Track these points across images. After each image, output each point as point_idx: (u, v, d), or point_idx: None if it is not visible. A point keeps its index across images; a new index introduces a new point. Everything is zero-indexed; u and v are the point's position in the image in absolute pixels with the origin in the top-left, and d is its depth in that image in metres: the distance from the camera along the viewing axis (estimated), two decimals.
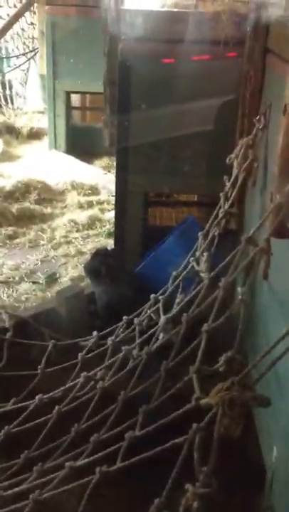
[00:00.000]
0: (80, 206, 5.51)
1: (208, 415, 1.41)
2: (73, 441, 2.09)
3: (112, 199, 5.39)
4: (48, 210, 5.44)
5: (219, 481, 1.42)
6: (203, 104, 3.25)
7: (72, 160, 6.65)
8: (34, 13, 7.69)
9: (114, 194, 4.59)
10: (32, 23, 8.12)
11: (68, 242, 4.81)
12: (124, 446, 1.63)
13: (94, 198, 5.65)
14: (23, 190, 5.61)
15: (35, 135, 7.96)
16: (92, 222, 5.14)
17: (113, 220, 4.25)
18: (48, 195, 5.74)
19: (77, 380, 2.46)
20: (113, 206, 5.01)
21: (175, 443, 1.45)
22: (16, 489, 1.73)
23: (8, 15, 7.34)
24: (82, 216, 5.21)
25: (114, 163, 5.49)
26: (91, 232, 5.01)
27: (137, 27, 3.19)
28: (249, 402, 1.39)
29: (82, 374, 2.47)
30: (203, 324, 2.00)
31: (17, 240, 4.81)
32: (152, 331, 2.51)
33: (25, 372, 2.70)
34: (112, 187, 5.35)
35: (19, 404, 2.43)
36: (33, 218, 5.25)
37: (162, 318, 2.51)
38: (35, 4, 7.13)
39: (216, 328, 1.95)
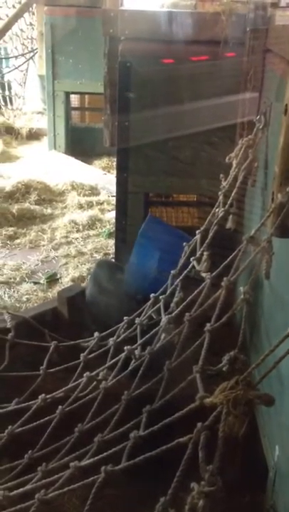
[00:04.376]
0: (80, 206, 5.52)
1: (213, 414, 1.42)
2: (77, 441, 2.09)
3: (112, 199, 5.41)
4: (48, 210, 5.45)
5: (223, 479, 1.43)
6: (202, 104, 3.25)
7: (71, 160, 6.67)
8: (33, 13, 7.70)
9: (114, 194, 4.61)
10: (31, 24, 8.13)
11: (69, 243, 4.82)
12: (128, 445, 1.64)
13: (94, 199, 5.66)
14: (23, 191, 5.62)
15: (34, 136, 7.99)
16: (92, 223, 5.15)
17: (113, 220, 4.27)
18: (48, 195, 5.75)
19: (80, 381, 2.46)
20: (113, 206, 5.03)
21: (180, 442, 1.45)
22: (21, 489, 1.74)
23: (7, 15, 7.34)
24: (82, 216, 5.22)
25: (114, 164, 5.52)
26: (91, 232, 5.02)
27: (136, 27, 3.20)
28: (253, 401, 1.40)
29: (84, 374, 2.47)
30: (204, 324, 2.01)
31: (18, 241, 4.82)
32: (154, 330, 2.52)
33: (27, 373, 2.70)
34: (112, 187, 5.38)
35: (22, 405, 2.44)
36: (34, 219, 5.26)
37: (164, 318, 2.52)
38: (34, 5, 7.14)
39: (218, 327, 1.96)
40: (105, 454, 1.65)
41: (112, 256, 4.28)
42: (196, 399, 1.53)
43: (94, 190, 5.90)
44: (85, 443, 2.06)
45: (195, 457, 1.46)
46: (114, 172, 3.78)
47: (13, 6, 7.61)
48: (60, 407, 2.27)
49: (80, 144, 7.03)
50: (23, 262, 4.44)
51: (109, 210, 5.40)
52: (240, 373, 1.71)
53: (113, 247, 4.12)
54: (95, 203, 5.58)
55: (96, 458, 1.67)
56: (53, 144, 6.94)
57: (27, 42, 8.30)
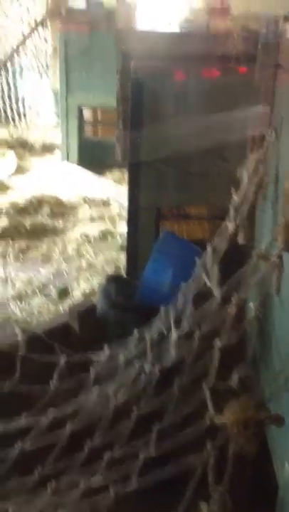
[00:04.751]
0: (92, 219, 5.55)
1: (223, 434, 1.41)
2: (86, 458, 2.08)
3: (123, 212, 5.42)
4: (60, 223, 5.49)
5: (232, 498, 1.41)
6: (214, 119, 3.27)
7: (84, 173, 6.71)
8: (48, 29, 7.80)
9: (125, 207, 4.62)
10: (45, 39, 8.24)
11: (80, 256, 4.84)
12: (138, 464, 1.63)
13: (105, 212, 5.69)
14: (35, 205, 5.67)
15: (47, 149, 8.04)
16: (103, 236, 5.17)
17: (124, 233, 4.28)
18: (60, 209, 5.79)
19: (90, 396, 2.45)
20: (124, 219, 5.04)
21: (189, 461, 1.44)
22: (31, 506, 1.73)
23: (22, 31, 7.45)
24: (93, 229, 5.25)
25: (126, 176, 5.55)
26: (102, 245, 5.03)
27: (149, 45, 3.23)
28: (264, 421, 1.38)
29: (94, 389, 2.46)
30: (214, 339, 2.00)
31: (30, 254, 4.85)
32: (164, 345, 2.51)
33: (37, 388, 2.69)
34: (123, 200, 5.40)
35: (32, 420, 2.43)
36: (46, 232, 5.30)
37: (174, 334, 2.51)
38: (49, 21, 7.24)
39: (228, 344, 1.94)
40: (115, 472, 1.64)
41: (123, 269, 4.29)
42: (205, 417, 1.51)
43: (105, 203, 5.93)
44: (94, 459, 2.05)
45: (204, 476, 1.45)
46: (126, 185, 3.80)
47: (29, 23, 7.73)
48: (69, 422, 2.25)
49: (92, 157, 7.08)
50: (35, 275, 4.47)
51: (120, 223, 5.41)
52: (250, 390, 1.70)
53: (124, 260, 4.12)
54: (106, 215, 5.60)
55: (105, 476, 1.66)
56: (66, 156, 7.00)
57: (41, 57, 8.40)
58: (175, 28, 3.72)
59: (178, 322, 2.67)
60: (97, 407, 2.40)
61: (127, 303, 3.27)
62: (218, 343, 1.95)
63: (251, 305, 2.06)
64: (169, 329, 2.68)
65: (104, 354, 2.88)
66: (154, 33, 3.47)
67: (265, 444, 2.21)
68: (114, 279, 3.52)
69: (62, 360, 2.86)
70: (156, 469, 1.65)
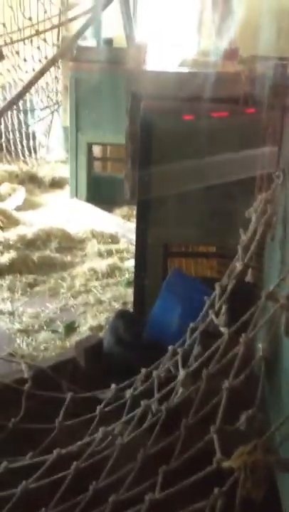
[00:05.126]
0: (100, 255, 5.57)
1: (231, 479, 1.39)
2: (91, 499, 2.05)
3: (132, 248, 5.45)
4: (68, 258, 5.52)
5: None
6: (222, 159, 3.32)
7: (92, 209, 6.78)
8: (58, 67, 8.00)
9: (133, 243, 4.66)
10: (56, 77, 8.44)
11: (88, 291, 4.85)
12: (144, 508, 1.60)
13: (113, 247, 5.72)
14: (44, 239, 5.71)
15: (57, 184, 8.16)
16: (111, 271, 5.19)
17: (132, 268, 4.30)
18: (69, 243, 5.83)
19: (96, 435, 2.43)
20: (132, 255, 5.07)
21: (196, 507, 1.42)
22: None
23: (33, 69, 7.64)
24: (101, 264, 5.27)
25: (134, 212, 5.60)
26: (110, 280, 5.05)
27: (158, 86, 3.31)
28: (273, 466, 1.37)
29: (100, 428, 2.44)
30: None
31: (37, 288, 4.87)
32: (172, 385, 2.49)
33: (42, 426, 2.67)
34: (132, 235, 5.44)
35: (36, 459, 2.40)
36: (54, 266, 5.32)
37: (181, 372, 2.49)
38: (60, 60, 7.42)
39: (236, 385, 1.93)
40: None
41: (130, 305, 4.29)
42: (213, 461, 1.49)
43: (114, 239, 5.97)
44: (99, 501, 2.02)
45: None
46: (134, 220, 3.84)
47: (40, 61, 7.93)
48: (75, 462, 2.23)
49: (101, 193, 7.17)
50: (42, 310, 4.47)
51: (128, 259, 5.44)
52: (259, 433, 1.68)
53: (132, 296, 4.12)
54: (114, 251, 5.63)
55: None
56: (75, 192, 7.08)
57: (52, 95, 8.60)
58: (184, 69, 3.80)
59: (185, 361, 2.66)
60: (102, 446, 2.37)
61: (134, 340, 3.27)
62: (226, 383, 1.94)
63: (260, 346, 2.05)
64: (176, 368, 2.67)
65: (110, 392, 2.87)
66: (163, 72, 3.55)
67: (275, 489, 2.17)
68: (122, 315, 3.52)
69: (69, 397, 2.85)
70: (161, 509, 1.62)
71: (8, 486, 2.23)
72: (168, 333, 3.08)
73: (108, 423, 2.53)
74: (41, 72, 7.12)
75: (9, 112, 7.72)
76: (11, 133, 8.19)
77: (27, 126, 8.64)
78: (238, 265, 2.69)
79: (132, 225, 5.93)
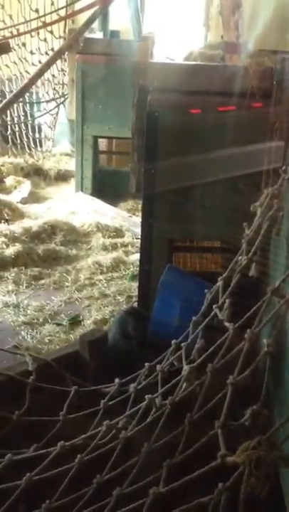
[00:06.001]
0: (105, 248, 5.57)
1: (234, 475, 1.39)
2: (95, 492, 2.06)
3: (137, 241, 5.45)
4: (73, 251, 5.51)
5: None
6: (228, 153, 3.30)
7: (97, 202, 6.77)
8: (65, 60, 7.97)
9: (138, 237, 4.65)
10: (62, 70, 8.42)
11: (92, 284, 4.85)
12: (147, 502, 1.61)
13: (118, 241, 5.71)
14: (49, 232, 5.70)
15: (62, 177, 8.15)
16: (116, 265, 5.18)
17: (137, 262, 4.29)
18: (74, 236, 5.83)
19: (100, 428, 2.44)
20: (137, 249, 5.07)
21: (200, 502, 1.42)
22: None
23: (40, 61, 7.62)
24: (106, 258, 5.26)
25: (139, 206, 5.59)
26: (115, 274, 5.04)
27: (165, 79, 3.29)
28: (276, 462, 1.37)
29: (104, 422, 2.45)
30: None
31: (42, 281, 4.87)
32: (176, 379, 2.49)
33: (46, 418, 2.68)
34: (137, 229, 5.44)
35: (41, 451, 2.41)
36: (59, 259, 5.32)
37: (185, 367, 2.50)
38: (66, 52, 7.40)
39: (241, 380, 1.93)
40: (124, 509, 1.62)
41: (134, 299, 4.29)
42: (217, 456, 1.49)
43: (119, 232, 5.96)
44: (103, 494, 2.02)
45: None
46: (140, 214, 3.83)
47: (46, 53, 7.91)
48: (78, 455, 2.23)
49: (106, 187, 7.16)
50: (47, 303, 4.48)
51: (133, 252, 5.44)
52: (263, 428, 1.68)
53: (136, 290, 4.12)
54: (119, 244, 5.62)
55: None
56: (80, 186, 7.06)
57: (58, 87, 8.58)
58: (190, 63, 3.77)
59: (189, 355, 2.66)
60: (106, 440, 2.38)
61: (140, 335, 3.28)
62: (230, 379, 1.94)
63: (265, 341, 2.05)
64: (180, 363, 2.67)
65: (114, 386, 2.88)
66: (170, 65, 3.53)
67: (278, 485, 2.17)
68: (131, 312, 3.53)
69: (73, 390, 2.86)
70: (165, 508, 1.62)
71: (11, 478, 2.24)
72: (171, 328, 3.08)
73: (112, 417, 2.54)
74: (48, 65, 7.10)
75: (15, 105, 7.70)
76: (16, 125, 8.18)
77: (33, 118, 8.62)
78: (242, 260, 2.69)
79: (137, 219, 5.93)
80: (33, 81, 6.96)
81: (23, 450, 2.47)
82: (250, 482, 1.36)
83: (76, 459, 2.23)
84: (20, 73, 7.95)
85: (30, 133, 8.47)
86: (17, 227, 5.72)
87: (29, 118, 8.44)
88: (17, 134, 8.21)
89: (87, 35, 6.61)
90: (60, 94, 8.56)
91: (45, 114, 8.62)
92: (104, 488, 2.08)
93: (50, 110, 8.60)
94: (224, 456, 1.49)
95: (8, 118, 7.95)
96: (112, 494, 1.91)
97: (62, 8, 7.22)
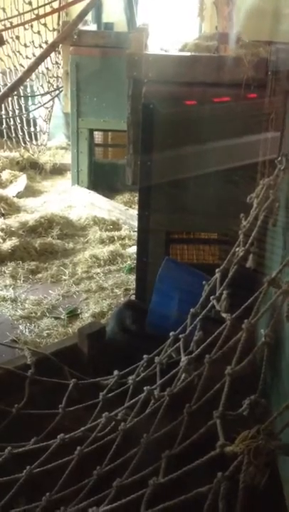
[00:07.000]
0: (102, 241, 5.56)
1: (233, 464, 1.40)
2: (95, 484, 2.07)
3: (133, 234, 5.45)
4: (70, 245, 5.51)
5: None
6: (224, 144, 3.30)
7: (94, 195, 6.76)
8: (59, 53, 7.92)
9: (135, 229, 4.65)
10: (57, 63, 8.38)
11: (90, 278, 4.85)
12: (147, 492, 1.62)
13: (115, 234, 5.70)
14: (46, 226, 5.69)
15: (58, 171, 8.13)
16: (113, 258, 5.18)
17: (134, 255, 4.29)
18: (71, 230, 5.82)
19: (99, 420, 2.45)
20: (134, 241, 5.06)
21: (199, 492, 1.43)
22: None
23: (33, 54, 7.58)
24: (103, 251, 5.26)
25: (136, 199, 5.58)
26: (112, 267, 5.04)
27: (159, 70, 3.28)
28: (275, 451, 1.38)
29: (103, 414, 2.46)
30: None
31: (39, 275, 4.87)
32: (174, 371, 2.50)
33: (46, 411, 2.70)
34: (133, 222, 5.43)
35: (40, 444, 2.42)
36: (56, 253, 5.31)
37: (184, 359, 2.51)
38: (60, 45, 7.36)
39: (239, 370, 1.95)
40: (124, 500, 1.63)
41: (132, 292, 4.29)
42: (216, 446, 1.50)
43: (115, 225, 5.95)
44: (103, 485, 2.04)
45: (215, 507, 1.44)
46: (136, 207, 3.82)
47: (40, 46, 7.86)
48: (78, 447, 2.25)
49: (102, 180, 7.14)
50: (45, 297, 4.48)
51: (130, 245, 5.43)
52: (261, 418, 1.69)
53: (134, 283, 4.13)
54: (116, 237, 5.62)
55: (114, 504, 1.65)
56: (76, 179, 7.05)
57: (53, 80, 8.54)
58: (185, 54, 3.76)
59: (187, 347, 2.68)
60: (105, 431, 2.39)
61: (138, 328, 3.29)
62: (228, 369, 1.95)
63: (262, 331, 2.06)
64: (178, 354, 2.69)
65: (113, 378, 2.89)
66: (164, 57, 3.51)
67: (276, 474, 2.19)
68: (129, 306, 3.54)
69: (72, 383, 2.87)
70: (164, 494, 1.64)
71: (12, 471, 2.25)
72: (169, 320, 3.10)
73: (111, 409, 2.55)
74: (41, 58, 7.05)
75: (10, 98, 7.66)
76: (11, 119, 8.14)
77: (28, 112, 8.59)
78: (239, 251, 2.69)
79: (134, 212, 5.92)
80: (27, 74, 6.94)
81: (23, 443, 2.48)
82: (249, 471, 1.37)
83: (76, 451, 2.25)
84: (14, 66, 7.90)
85: (26, 127, 8.43)
86: (13, 221, 5.71)
87: (24, 112, 8.40)
88: (12, 127, 8.17)
89: (80, 27, 6.57)
90: (55, 87, 8.52)
91: (40, 107, 8.59)
92: (104, 479, 2.10)
93: (45, 103, 8.56)
94: (223, 445, 1.50)
95: (3, 112, 7.92)
96: (112, 485, 1.92)
97: (55, 0, 7.17)
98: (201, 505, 1.45)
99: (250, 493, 1.40)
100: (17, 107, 8.25)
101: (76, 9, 6.84)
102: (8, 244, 5.17)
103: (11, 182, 7.30)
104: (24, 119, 8.45)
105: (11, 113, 8.12)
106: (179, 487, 1.69)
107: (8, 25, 6.87)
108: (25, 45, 7.89)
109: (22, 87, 7.86)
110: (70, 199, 6.71)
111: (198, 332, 2.69)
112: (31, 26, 7.54)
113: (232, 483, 1.45)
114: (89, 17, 7.50)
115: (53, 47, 7.07)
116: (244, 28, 3.79)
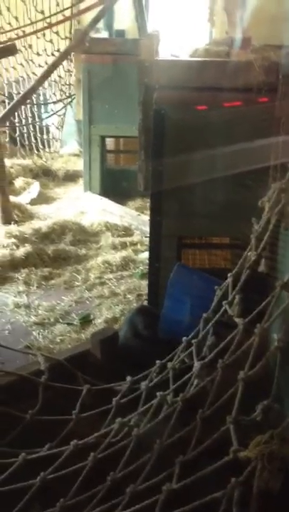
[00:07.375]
0: (114, 247, 5.58)
1: (247, 469, 1.39)
2: (109, 490, 2.07)
3: (145, 240, 5.46)
4: (83, 251, 5.53)
5: None
6: (235, 149, 3.29)
7: (106, 201, 6.78)
8: (71, 60, 7.99)
9: (147, 235, 4.66)
10: (69, 71, 8.45)
11: (102, 283, 4.86)
12: (161, 499, 1.61)
13: (127, 239, 5.72)
14: (58, 232, 5.73)
15: (70, 177, 8.18)
16: (125, 263, 5.19)
17: (146, 260, 4.29)
18: (83, 236, 5.85)
19: (112, 426, 2.44)
20: (146, 247, 5.07)
21: (213, 497, 1.42)
22: None
23: (46, 63, 7.65)
24: (115, 257, 5.27)
25: (148, 205, 5.59)
26: (125, 273, 5.05)
27: (170, 76, 3.29)
28: (288, 456, 1.37)
29: (116, 420, 2.45)
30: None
31: (52, 281, 4.89)
32: (187, 376, 2.50)
33: (59, 417, 2.70)
34: (145, 228, 5.44)
35: (54, 450, 2.43)
36: (68, 259, 5.33)
37: (196, 364, 2.50)
38: (72, 52, 7.42)
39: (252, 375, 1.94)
40: (138, 506, 1.63)
41: (144, 297, 4.29)
42: (229, 452, 1.50)
43: (128, 231, 5.97)
44: (116, 492, 2.03)
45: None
46: (148, 213, 3.83)
47: (52, 54, 7.94)
48: (92, 453, 2.24)
49: (114, 186, 7.17)
50: (58, 303, 4.49)
51: (142, 251, 5.44)
52: (274, 423, 1.68)
53: (146, 288, 4.13)
54: (128, 243, 5.63)
55: (128, 511, 1.64)
56: (89, 185, 7.09)
57: (65, 88, 8.61)
58: (196, 59, 3.77)
59: (200, 352, 2.67)
60: (119, 437, 2.39)
61: (151, 333, 3.29)
62: (241, 374, 1.94)
63: (275, 336, 2.05)
64: (191, 359, 2.68)
65: (126, 384, 2.88)
66: (175, 62, 3.52)
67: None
68: (142, 311, 3.54)
69: (85, 389, 2.87)
70: (178, 500, 1.63)
71: (26, 477, 2.25)
72: (181, 325, 3.09)
73: (124, 415, 2.55)
74: (54, 66, 7.13)
75: (23, 106, 7.74)
76: (24, 127, 8.22)
77: (41, 120, 8.66)
78: (251, 255, 2.68)
79: (146, 218, 5.93)
80: (40, 82, 7.00)
81: (37, 449, 2.48)
82: (263, 476, 1.36)
83: (89, 457, 2.24)
84: (27, 75, 7.99)
85: (38, 134, 8.51)
86: (27, 228, 5.75)
87: (37, 119, 8.47)
88: (25, 135, 8.25)
89: (92, 35, 6.62)
90: (67, 94, 8.59)
91: (52, 115, 8.66)
92: (118, 485, 2.09)
93: (58, 111, 8.63)
94: (237, 451, 1.49)
95: (16, 120, 7.99)
96: (125, 491, 1.92)
97: (67, 8, 7.24)
98: (214, 510, 1.44)
99: (264, 498, 1.39)
100: (30, 114, 8.33)
101: (88, 17, 6.91)
102: (21, 251, 5.21)
103: (25, 189, 7.36)
104: (37, 127, 8.53)
105: (24, 121, 8.20)
106: (188, 493, 1.68)
107: (20, 34, 6.96)
108: (38, 54, 7.98)
109: (35, 95, 7.92)
110: (83, 205, 6.74)
111: (211, 337, 2.68)
112: (43, 35, 7.63)
113: (246, 488, 1.44)
114: (100, 24, 7.55)
115: (65, 55, 7.15)
116: (254, 32, 3.79)
